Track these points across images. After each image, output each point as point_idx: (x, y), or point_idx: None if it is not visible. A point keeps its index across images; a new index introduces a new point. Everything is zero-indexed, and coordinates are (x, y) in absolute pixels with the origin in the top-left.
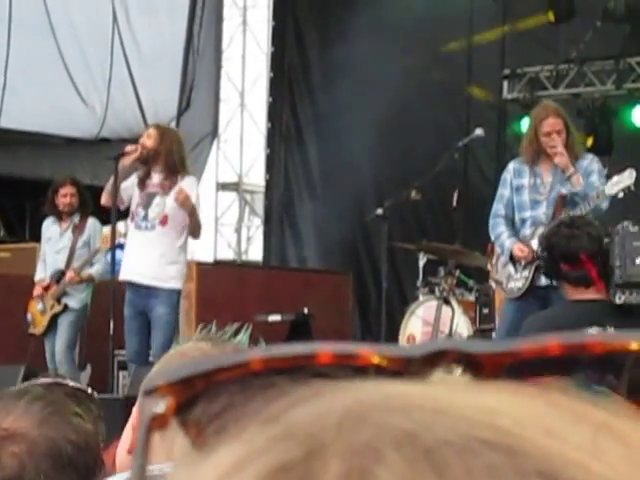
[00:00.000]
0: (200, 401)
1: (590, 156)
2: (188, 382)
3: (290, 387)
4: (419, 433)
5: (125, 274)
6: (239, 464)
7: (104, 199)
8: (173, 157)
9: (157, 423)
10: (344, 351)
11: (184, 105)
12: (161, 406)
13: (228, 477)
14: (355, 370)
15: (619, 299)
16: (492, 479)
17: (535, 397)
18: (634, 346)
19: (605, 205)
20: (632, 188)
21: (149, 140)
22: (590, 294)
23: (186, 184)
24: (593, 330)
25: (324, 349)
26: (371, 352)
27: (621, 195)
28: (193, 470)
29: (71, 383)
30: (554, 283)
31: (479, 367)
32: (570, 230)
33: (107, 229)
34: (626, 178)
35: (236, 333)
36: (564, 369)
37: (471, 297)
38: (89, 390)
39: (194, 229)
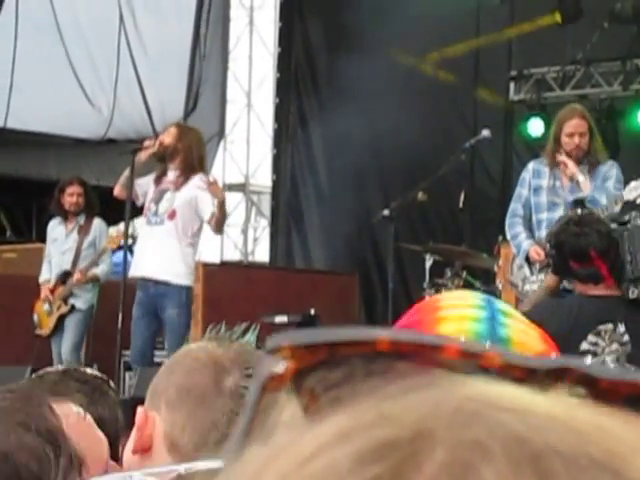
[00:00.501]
0: (320, 370)
1: (611, 162)
2: (312, 348)
3: (411, 372)
4: (530, 437)
5: (135, 270)
6: (343, 435)
7: (117, 190)
8: (192, 155)
9: (274, 383)
10: (471, 349)
11: (191, 106)
12: (281, 366)
13: (331, 447)
14: (477, 370)
15: (632, 294)
16: None
17: None
18: None
19: (618, 209)
20: None
21: (168, 137)
22: (600, 290)
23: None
24: (605, 327)
25: (452, 343)
26: (497, 355)
27: (639, 201)
28: (297, 435)
29: (89, 371)
30: (568, 286)
31: (598, 391)
32: (579, 228)
33: (113, 230)
34: None
35: (244, 333)
36: None
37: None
38: (105, 377)
39: (220, 221)
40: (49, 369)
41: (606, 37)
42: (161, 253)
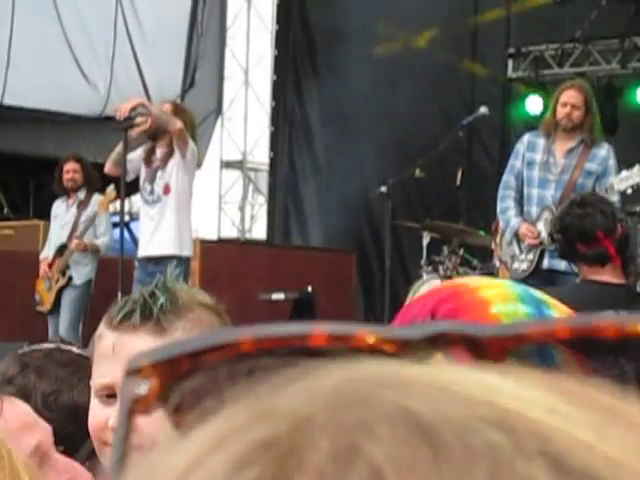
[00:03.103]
0: (186, 382)
1: (607, 146)
2: (174, 362)
3: (281, 368)
4: (415, 410)
5: (141, 251)
6: (218, 442)
7: (107, 167)
8: (185, 132)
9: (140, 406)
10: (339, 332)
11: (188, 83)
12: (144, 387)
13: (206, 457)
14: (350, 352)
15: None
16: (492, 459)
17: (539, 379)
18: None
19: (615, 199)
20: None
21: (145, 125)
22: (606, 275)
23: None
24: (606, 313)
25: (318, 329)
26: (367, 333)
27: (630, 192)
28: (169, 451)
29: (75, 350)
30: (557, 268)
31: (482, 351)
32: (582, 209)
33: (102, 197)
34: (635, 174)
35: None
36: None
37: (475, 276)
38: (85, 354)
39: (166, 125)
40: (35, 347)
41: (604, 15)
42: (162, 228)
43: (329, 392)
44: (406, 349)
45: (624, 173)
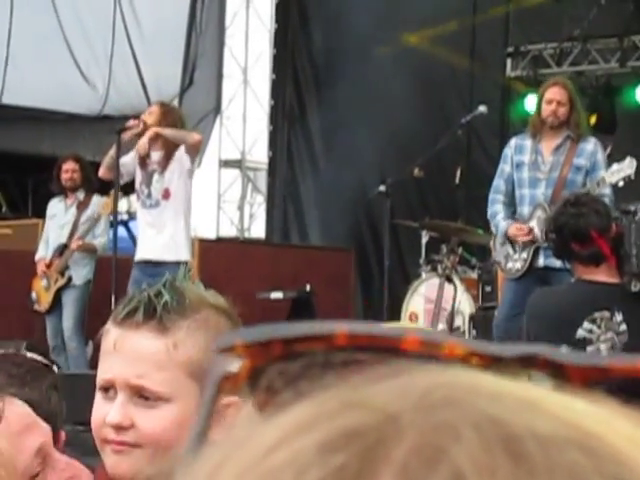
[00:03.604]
0: (276, 366)
1: (594, 140)
2: (267, 345)
3: (372, 365)
4: (502, 419)
5: (139, 254)
6: (305, 425)
7: (101, 172)
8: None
9: (229, 383)
10: (432, 339)
11: (187, 82)
12: (235, 365)
13: (294, 436)
14: (439, 360)
15: (635, 287)
16: (572, 477)
17: (621, 411)
18: None
19: (607, 192)
20: (632, 177)
21: (150, 117)
22: (601, 275)
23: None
24: (601, 314)
25: (412, 334)
26: (459, 344)
27: (621, 184)
28: (255, 429)
29: (28, 355)
30: (552, 265)
31: (566, 378)
32: (576, 208)
33: (107, 198)
34: (626, 167)
35: None
36: None
37: (474, 275)
38: (44, 361)
39: (183, 142)
40: None
41: (603, 14)
42: (161, 234)
43: (420, 392)
44: (495, 365)
45: (615, 166)
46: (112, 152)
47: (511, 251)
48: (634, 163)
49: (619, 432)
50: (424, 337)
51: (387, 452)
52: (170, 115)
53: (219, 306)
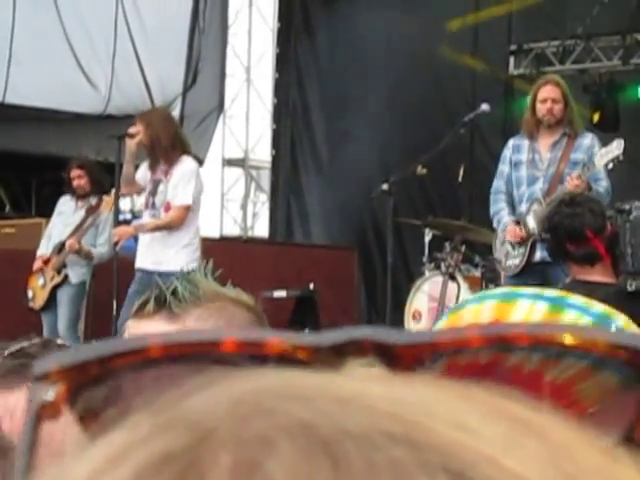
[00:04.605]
0: (94, 388)
1: (591, 135)
2: (81, 367)
3: (188, 376)
4: (317, 423)
5: (138, 262)
6: (116, 457)
7: (123, 190)
8: (161, 144)
9: (47, 412)
10: (250, 338)
11: (190, 81)
12: (51, 393)
13: (105, 471)
14: (261, 359)
15: (630, 286)
16: (395, 475)
17: (450, 390)
18: (566, 340)
19: (603, 186)
20: (621, 158)
21: (139, 134)
22: (596, 275)
23: (174, 179)
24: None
25: (228, 336)
26: (278, 340)
27: (611, 166)
28: (70, 463)
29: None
30: (550, 259)
31: (395, 359)
32: (571, 208)
33: (107, 197)
34: (614, 148)
35: None
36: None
37: (477, 273)
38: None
39: (169, 228)
40: None
41: (606, 11)
42: (161, 245)
43: (231, 403)
44: (317, 357)
45: (603, 149)
46: (125, 171)
47: (510, 249)
48: (622, 144)
49: (444, 417)
50: (241, 337)
51: (202, 476)
52: (151, 124)
53: (239, 300)
